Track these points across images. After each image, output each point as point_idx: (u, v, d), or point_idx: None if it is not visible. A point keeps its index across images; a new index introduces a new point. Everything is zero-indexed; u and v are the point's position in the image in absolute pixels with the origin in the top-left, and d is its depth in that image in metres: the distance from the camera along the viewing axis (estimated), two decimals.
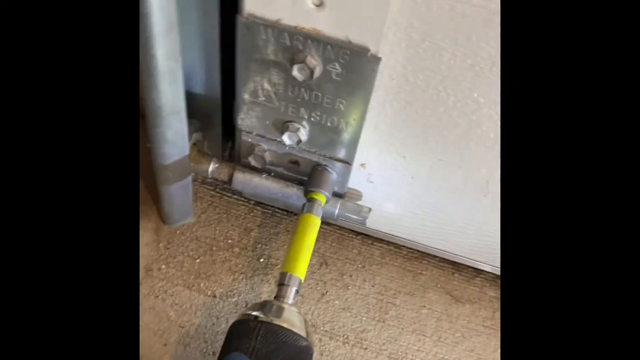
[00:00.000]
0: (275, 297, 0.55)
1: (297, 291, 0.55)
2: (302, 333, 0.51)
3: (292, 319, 0.51)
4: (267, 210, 0.73)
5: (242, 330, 0.51)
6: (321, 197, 0.60)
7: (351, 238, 0.72)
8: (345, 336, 0.65)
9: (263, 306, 0.53)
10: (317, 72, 0.51)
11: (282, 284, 0.55)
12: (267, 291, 0.66)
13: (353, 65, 0.50)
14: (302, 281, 0.56)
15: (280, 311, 0.52)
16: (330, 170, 0.61)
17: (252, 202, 0.73)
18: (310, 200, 0.60)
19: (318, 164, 0.62)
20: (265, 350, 0.49)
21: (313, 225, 0.59)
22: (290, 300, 0.54)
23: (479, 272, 0.72)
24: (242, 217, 0.72)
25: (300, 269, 0.56)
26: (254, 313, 0.52)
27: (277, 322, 0.50)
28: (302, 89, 0.54)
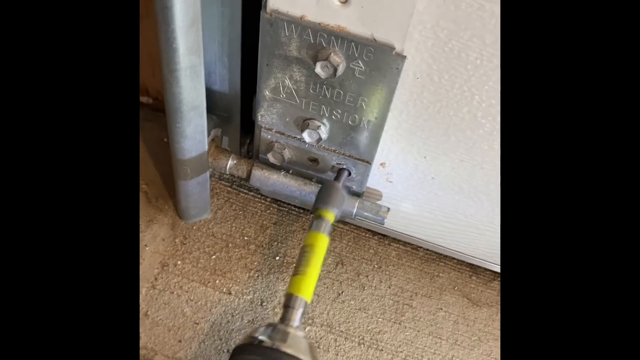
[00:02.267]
0: (280, 320, 0.53)
1: (303, 313, 0.53)
2: (307, 358, 0.49)
3: (297, 344, 0.50)
4: (283, 208, 0.72)
5: (245, 355, 0.49)
6: (330, 215, 0.59)
7: (368, 238, 0.72)
8: (361, 337, 0.64)
9: (267, 329, 0.51)
10: (341, 70, 0.50)
11: (287, 306, 0.53)
12: (282, 289, 0.66)
13: (377, 63, 0.49)
14: (309, 302, 0.54)
15: (285, 336, 0.50)
16: (339, 187, 0.60)
17: (268, 199, 0.72)
18: (319, 217, 0.59)
19: (338, 164, 0.61)
20: None
21: (320, 243, 0.57)
22: (296, 324, 0.52)
23: (496, 275, 0.71)
24: (259, 214, 0.71)
25: (307, 290, 0.54)
26: (259, 337, 0.50)
27: (282, 348, 0.49)
28: (324, 87, 0.54)
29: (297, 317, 0.53)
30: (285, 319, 0.52)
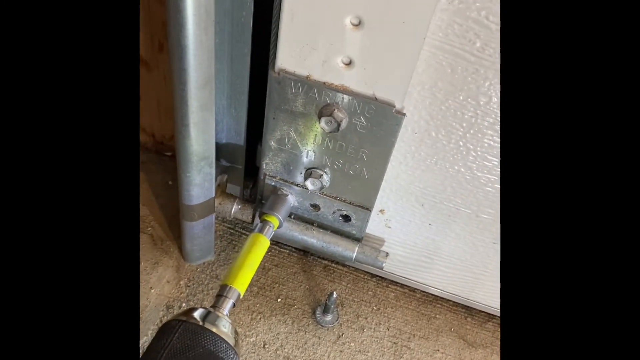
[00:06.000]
0: (212, 306, 0.55)
1: (234, 304, 0.56)
2: (227, 338, 0.51)
3: (218, 323, 0.52)
4: (284, 250, 0.74)
5: (164, 329, 0.51)
6: (274, 220, 0.63)
7: (366, 280, 0.74)
8: None
9: (198, 312, 0.53)
10: (344, 125, 0.53)
11: (220, 295, 0.56)
12: (284, 331, 0.67)
13: (378, 119, 0.53)
14: (241, 295, 0.57)
15: (206, 315, 0.52)
16: (286, 193, 0.64)
17: (270, 241, 0.74)
18: (263, 221, 0.63)
19: (339, 209, 0.64)
20: (180, 346, 0.49)
21: (260, 244, 0.60)
22: (225, 311, 0.55)
23: (491, 317, 0.73)
24: None
25: (241, 282, 0.57)
26: (181, 317, 0.52)
27: (200, 323, 0.51)
28: (327, 139, 0.57)
29: (227, 305, 0.55)
30: (215, 306, 0.55)
